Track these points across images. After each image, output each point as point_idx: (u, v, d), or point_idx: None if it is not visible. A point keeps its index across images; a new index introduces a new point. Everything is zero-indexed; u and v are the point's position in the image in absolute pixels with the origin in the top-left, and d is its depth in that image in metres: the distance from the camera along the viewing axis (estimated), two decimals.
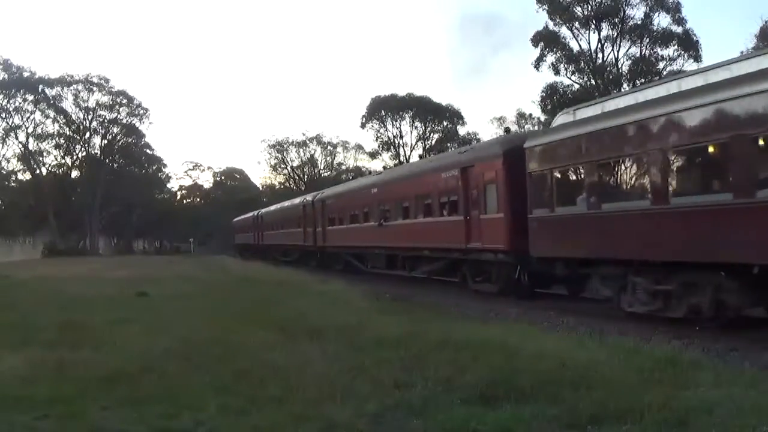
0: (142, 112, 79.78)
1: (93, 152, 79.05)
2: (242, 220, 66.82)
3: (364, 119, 77.71)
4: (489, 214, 17.79)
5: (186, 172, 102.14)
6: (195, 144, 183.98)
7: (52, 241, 73.02)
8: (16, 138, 75.23)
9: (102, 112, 77.56)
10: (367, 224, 27.86)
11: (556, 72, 51.55)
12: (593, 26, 50.51)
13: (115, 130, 79.70)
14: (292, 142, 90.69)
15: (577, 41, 51.53)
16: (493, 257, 17.80)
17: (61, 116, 76.33)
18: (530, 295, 17.30)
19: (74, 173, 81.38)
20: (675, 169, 12.16)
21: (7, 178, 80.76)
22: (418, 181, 23.14)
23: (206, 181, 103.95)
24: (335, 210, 33.60)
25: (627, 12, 49.80)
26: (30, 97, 73.64)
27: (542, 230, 15.29)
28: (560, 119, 16.01)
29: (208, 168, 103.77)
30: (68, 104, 76.30)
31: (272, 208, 53.77)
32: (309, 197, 39.98)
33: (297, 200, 44.90)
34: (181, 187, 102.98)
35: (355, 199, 30.46)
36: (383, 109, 76.84)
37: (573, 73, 51.87)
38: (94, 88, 76.36)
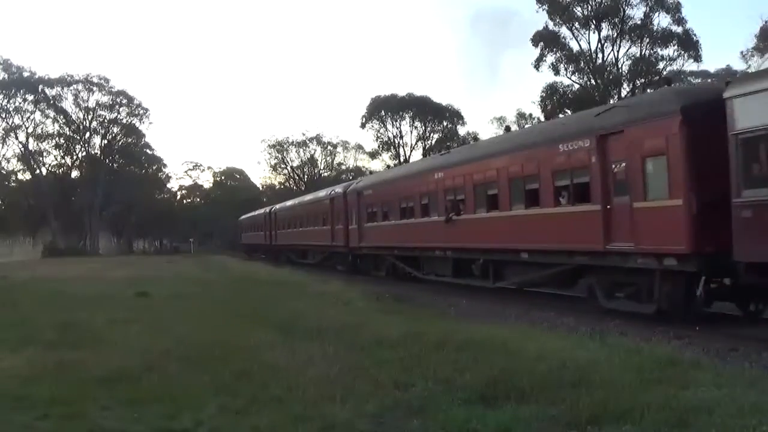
0: (142, 112, 79.87)
1: (93, 152, 79.04)
2: (250, 218, 62.41)
3: (364, 119, 77.73)
4: (652, 200, 12.45)
5: (186, 172, 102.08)
6: (195, 144, 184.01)
7: (52, 241, 73.00)
8: (16, 138, 75.32)
9: (102, 112, 77.64)
10: (426, 219, 21.97)
11: (556, 72, 51.57)
12: (593, 26, 50.50)
13: (115, 130, 79.71)
14: (292, 142, 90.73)
15: (577, 41, 51.56)
16: (656, 264, 12.45)
17: (61, 116, 76.33)
18: (703, 318, 12.29)
19: (74, 173, 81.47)
20: None
21: (7, 178, 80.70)
22: (514, 158, 17.07)
23: (206, 181, 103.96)
24: (377, 202, 27.11)
25: (627, 12, 49.79)
26: (30, 97, 73.62)
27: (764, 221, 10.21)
28: None
29: (208, 168, 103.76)
30: (68, 104, 76.41)
31: (289, 203, 47.98)
32: (339, 188, 33.88)
33: (322, 193, 38.27)
34: (181, 187, 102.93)
35: (407, 188, 24.03)
36: (383, 109, 76.82)
37: (573, 73, 51.86)
38: (94, 88, 76.43)
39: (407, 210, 23.86)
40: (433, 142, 76.85)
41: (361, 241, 28.54)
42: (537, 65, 51.67)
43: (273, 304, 16.00)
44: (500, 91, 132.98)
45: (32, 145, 76.33)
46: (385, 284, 24.12)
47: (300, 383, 7.13)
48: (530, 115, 62.35)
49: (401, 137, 77.83)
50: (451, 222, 19.82)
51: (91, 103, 76.56)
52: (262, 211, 56.98)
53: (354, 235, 29.44)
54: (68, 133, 77.88)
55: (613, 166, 13.46)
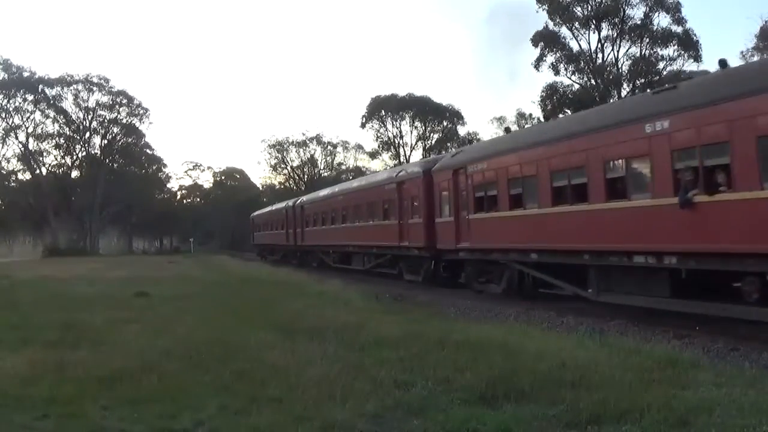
0: (142, 112, 79.90)
1: (93, 152, 79.08)
2: (267, 215, 54.22)
3: (364, 119, 77.78)
4: None
5: (186, 172, 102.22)
6: (195, 144, 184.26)
7: (52, 241, 73.01)
8: (16, 138, 75.36)
9: (102, 112, 77.70)
10: (621, 204, 13.15)
11: (556, 72, 51.58)
12: (593, 26, 50.50)
13: (115, 130, 79.74)
14: (292, 142, 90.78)
15: (577, 41, 51.57)
16: None
17: (61, 116, 76.37)
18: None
19: (74, 173, 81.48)
20: None
21: (7, 178, 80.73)
22: None
23: (206, 181, 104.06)
24: (497, 182, 17.72)
25: (627, 12, 49.81)
26: (30, 97, 73.66)
27: None
28: None
29: (208, 168, 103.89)
30: (68, 104, 76.48)
31: (323, 192, 38.74)
32: (413, 167, 25.04)
33: (382, 175, 30.51)
34: (181, 187, 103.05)
35: (570, 154, 14.70)
36: (383, 109, 76.85)
37: (573, 73, 51.87)
38: (94, 88, 76.48)
39: (572, 190, 14.54)
40: (433, 142, 76.91)
41: (462, 239, 19.74)
42: (537, 65, 51.73)
43: (273, 304, 15.99)
44: (500, 91, 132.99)
45: (32, 145, 76.49)
46: (385, 284, 24.09)
47: (300, 383, 7.13)
48: (530, 115, 62.40)
49: (401, 137, 77.95)
50: (692, 207, 11.27)
51: (91, 103, 76.74)
52: (282, 205, 48.45)
53: (446, 231, 20.68)
54: (68, 133, 77.97)
55: None
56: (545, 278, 16.38)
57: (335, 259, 34.61)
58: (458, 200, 19.97)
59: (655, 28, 49.57)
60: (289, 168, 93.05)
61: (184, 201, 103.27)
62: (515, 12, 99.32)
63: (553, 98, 51.67)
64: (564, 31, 51.32)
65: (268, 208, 56.09)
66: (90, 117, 77.11)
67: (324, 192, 39.24)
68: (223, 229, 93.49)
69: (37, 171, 77.44)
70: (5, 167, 78.89)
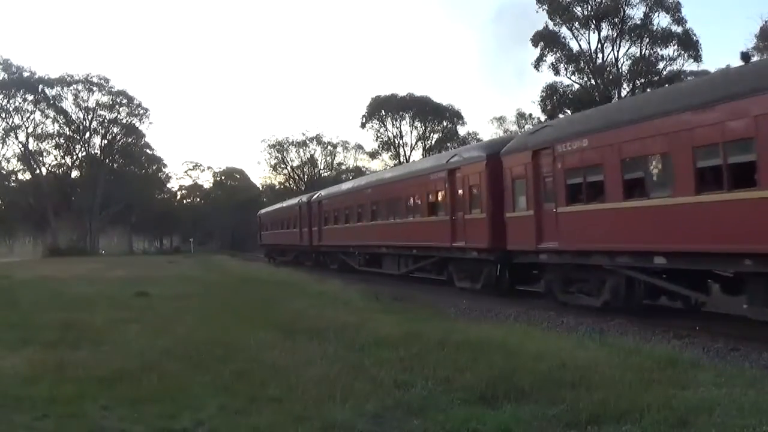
0: (142, 112, 79.96)
1: (93, 152, 79.12)
2: (276, 213, 49.29)
3: (364, 119, 77.83)
4: None
5: (186, 172, 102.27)
6: (195, 144, 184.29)
7: (52, 241, 73.02)
8: (16, 138, 75.46)
9: (102, 112, 77.79)
10: None
11: (556, 72, 51.58)
12: (593, 26, 50.50)
13: (115, 130, 79.82)
14: (292, 142, 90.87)
15: (577, 41, 51.56)
16: None
17: (61, 116, 76.45)
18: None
19: (74, 173, 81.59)
20: None
21: (7, 178, 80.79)
22: None
23: (206, 181, 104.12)
24: (583, 166, 14.51)
25: (627, 12, 49.81)
26: (30, 97, 73.72)
27: None
28: None
29: (208, 168, 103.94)
30: (68, 104, 76.58)
31: (346, 186, 35.09)
32: (475, 151, 20.35)
33: (428, 162, 26.72)
34: (181, 187, 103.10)
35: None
36: (383, 109, 76.90)
37: (573, 73, 51.87)
38: (94, 88, 76.56)
39: (731, 172, 10.84)
40: (433, 142, 76.95)
41: (546, 239, 15.66)
42: (537, 65, 51.73)
43: (273, 304, 15.99)
44: (502, 91, 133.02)
45: (32, 145, 76.61)
46: (384, 284, 24.08)
47: (300, 383, 7.13)
48: (530, 115, 62.43)
49: (401, 137, 78.01)
50: None
51: (91, 103, 76.83)
52: (294, 201, 43.91)
53: (521, 228, 16.52)
54: (68, 133, 78.05)
55: None
56: (675, 288, 13.04)
57: (361, 261, 29.75)
58: (541, 189, 15.83)
59: (655, 28, 49.59)
60: (289, 168, 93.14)
61: (184, 201, 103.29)
62: (519, 12, 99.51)
63: (553, 98, 51.68)
64: (564, 31, 51.37)
65: (278, 205, 50.93)
66: (90, 117, 77.25)
67: (348, 185, 34.81)
68: (223, 229, 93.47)
69: (37, 171, 77.51)
70: (5, 167, 79.11)
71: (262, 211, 57.66)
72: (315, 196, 37.86)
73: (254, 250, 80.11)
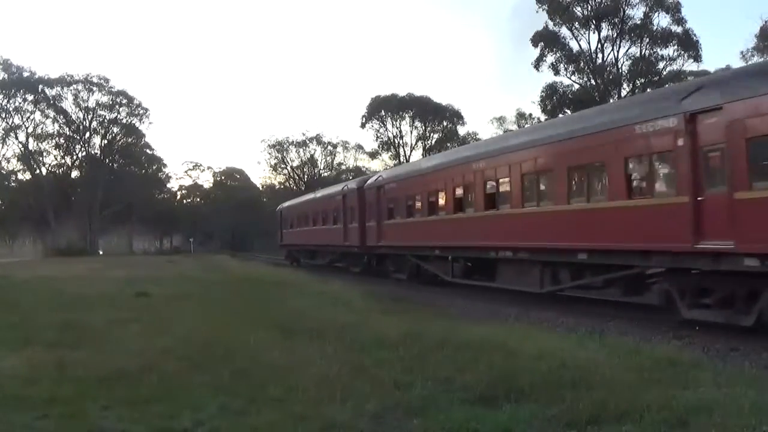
0: (142, 112, 79.88)
1: (93, 152, 79.08)
2: (307, 205, 40.15)
3: (364, 119, 77.87)
4: None
5: (186, 172, 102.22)
6: (195, 144, 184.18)
7: (52, 241, 72.99)
8: (16, 138, 75.45)
9: (102, 112, 77.70)
10: None
11: (556, 72, 51.62)
12: (593, 26, 50.54)
13: (115, 130, 79.76)
14: (292, 142, 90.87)
15: (577, 41, 51.64)
16: None
17: (61, 116, 76.41)
18: None
19: (74, 173, 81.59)
20: None
21: (7, 178, 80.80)
22: None
23: (206, 181, 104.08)
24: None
25: (627, 12, 49.90)
26: (30, 97, 73.71)
27: None
28: None
29: (208, 168, 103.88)
30: (68, 104, 76.50)
31: (430, 163, 25.23)
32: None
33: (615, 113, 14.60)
34: (181, 187, 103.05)
35: None
36: (383, 109, 76.93)
37: (573, 73, 51.92)
38: (94, 88, 76.49)
39: None
40: (433, 142, 76.98)
41: None
42: (537, 65, 51.80)
43: (273, 304, 16.00)
44: (500, 91, 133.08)
45: (32, 145, 76.62)
46: (384, 284, 24.09)
47: (300, 383, 7.12)
48: (530, 115, 62.47)
49: (401, 137, 78.05)
50: None
51: (91, 103, 76.76)
52: (335, 189, 35.55)
53: None
54: (68, 133, 78.05)
55: None
56: None
57: (457, 269, 20.88)
58: None
59: (655, 28, 49.67)
60: (289, 168, 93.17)
61: (184, 201, 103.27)
62: (519, 12, 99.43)
63: (553, 98, 51.72)
64: (564, 31, 51.41)
65: (308, 196, 42.47)
66: (90, 117, 77.19)
67: (433, 160, 25.83)
68: (223, 229, 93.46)
69: (37, 171, 77.53)
70: (5, 167, 79.12)
71: (285, 204, 48.69)
72: (371, 180, 29.01)
73: (254, 249, 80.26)
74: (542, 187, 16.33)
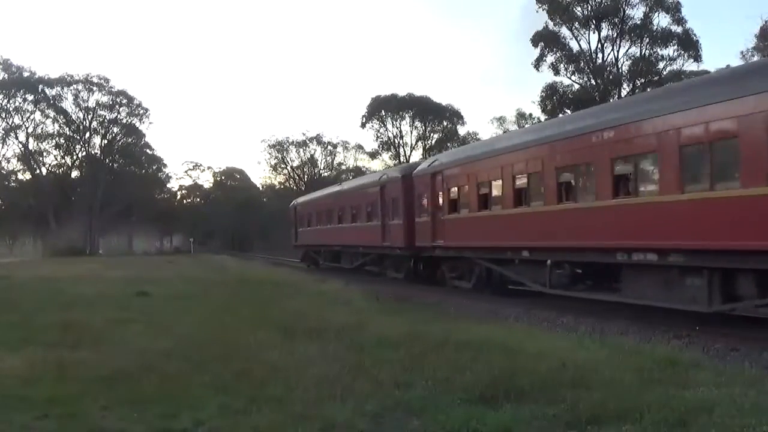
0: (142, 112, 79.91)
1: (93, 152, 79.11)
2: (331, 199, 34.57)
3: (364, 119, 77.90)
4: None
5: (186, 172, 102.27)
6: (195, 144, 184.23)
7: (52, 242, 72.97)
8: (16, 138, 75.48)
9: (102, 112, 77.74)
10: None
11: (556, 72, 51.60)
12: (593, 26, 50.54)
13: (115, 130, 79.78)
14: (292, 142, 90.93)
15: (577, 41, 51.61)
16: None
17: (61, 116, 76.42)
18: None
19: (74, 173, 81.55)
20: None
21: (7, 178, 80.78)
22: None
23: (206, 181, 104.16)
24: None
25: (627, 12, 49.89)
26: (30, 97, 73.73)
27: None
28: None
29: (208, 168, 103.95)
30: (68, 104, 76.55)
31: (512, 141, 18.52)
32: None
33: None
34: (181, 187, 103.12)
35: None
36: (383, 109, 76.95)
37: (573, 73, 51.90)
38: (94, 88, 76.51)
39: None
40: (433, 142, 77.02)
41: None
42: (537, 65, 51.77)
43: (273, 304, 16.00)
44: (500, 91, 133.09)
45: (32, 145, 76.65)
46: (384, 284, 24.08)
47: (300, 383, 7.13)
48: (530, 115, 62.47)
49: (401, 137, 78.09)
50: None
51: (91, 103, 76.80)
52: (371, 178, 31.14)
53: None
54: (68, 133, 78.07)
55: None
56: None
57: (564, 277, 15.44)
58: None
59: (655, 28, 49.66)
60: (289, 168, 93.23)
61: (184, 201, 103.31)
62: (518, 11, 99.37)
63: (553, 98, 51.72)
64: (564, 31, 51.40)
65: (332, 189, 37.18)
66: (90, 117, 77.22)
67: (526, 135, 18.50)
68: (223, 230, 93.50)
69: (37, 171, 77.56)
70: (5, 167, 79.12)
71: (300, 200, 42.88)
72: (423, 166, 23.37)
73: (254, 250, 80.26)
74: (720, 164, 10.95)
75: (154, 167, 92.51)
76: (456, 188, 20.22)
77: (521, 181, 16.65)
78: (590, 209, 13.99)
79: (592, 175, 14.10)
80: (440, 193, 21.07)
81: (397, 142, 78.03)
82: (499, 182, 17.58)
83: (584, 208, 14.23)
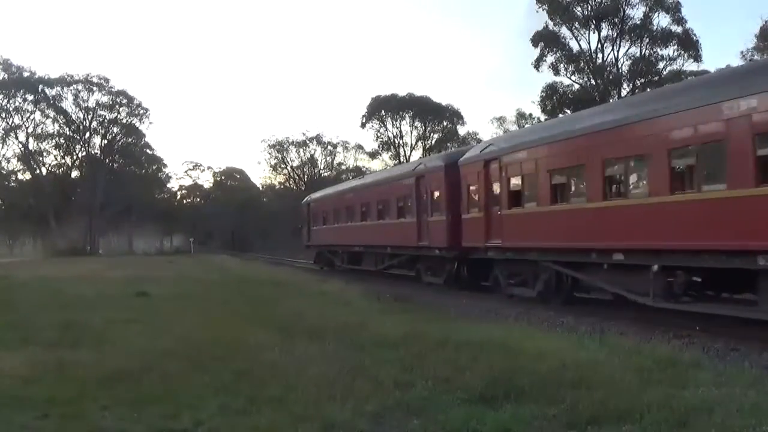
0: (142, 112, 79.87)
1: (93, 152, 79.10)
2: (347, 194, 32.07)
3: (364, 119, 77.95)
4: None
5: (186, 172, 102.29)
6: (195, 144, 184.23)
7: (52, 242, 72.98)
8: (16, 138, 75.48)
9: (102, 112, 77.69)
10: None
11: (556, 72, 51.61)
12: (593, 26, 50.54)
13: (115, 130, 79.76)
14: (292, 142, 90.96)
15: (577, 41, 51.61)
16: None
17: (61, 116, 76.42)
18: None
19: (74, 173, 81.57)
20: None
21: (7, 178, 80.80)
22: None
23: (206, 181, 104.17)
24: None
25: (627, 12, 49.89)
26: (30, 97, 73.73)
27: None
28: None
29: (208, 168, 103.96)
30: (68, 104, 76.51)
31: (606, 117, 13.98)
32: None
33: None
34: (181, 187, 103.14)
35: None
36: (383, 109, 76.99)
37: (573, 73, 51.91)
38: (94, 88, 76.46)
39: None
40: (433, 142, 77.04)
41: None
42: (537, 65, 51.77)
43: (273, 304, 16.01)
44: (500, 91, 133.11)
45: (32, 145, 76.66)
46: (384, 284, 24.07)
47: (300, 383, 7.13)
48: (530, 115, 62.48)
49: (401, 137, 78.13)
50: None
51: (91, 103, 76.76)
52: (404, 168, 29.06)
53: None
54: (68, 133, 78.07)
55: None
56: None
57: (677, 287, 12.03)
58: None
59: (655, 28, 49.67)
60: (289, 168, 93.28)
61: (184, 201, 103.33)
62: (517, 12, 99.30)
63: (553, 98, 51.72)
64: (564, 31, 51.41)
65: (352, 183, 35.25)
66: (90, 117, 77.20)
67: (616, 112, 14.30)
68: (223, 230, 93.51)
69: (37, 171, 77.57)
70: (5, 167, 79.13)
71: (314, 195, 39.65)
72: (471, 153, 19.88)
73: (254, 250, 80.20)
74: None
75: (154, 167, 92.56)
76: (519, 178, 16.63)
77: (616, 167, 13.38)
78: (723, 200, 10.67)
79: (733, 156, 10.41)
80: (497, 184, 17.59)
81: (397, 142, 78.14)
82: (583, 169, 14.20)
83: (713, 199, 10.89)
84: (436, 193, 21.36)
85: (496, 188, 17.64)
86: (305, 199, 41.04)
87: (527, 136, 17.71)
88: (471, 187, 19.05)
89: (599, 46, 51.08)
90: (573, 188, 14.94)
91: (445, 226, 20.29)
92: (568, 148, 14.67)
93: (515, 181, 16.83)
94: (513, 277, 17.73)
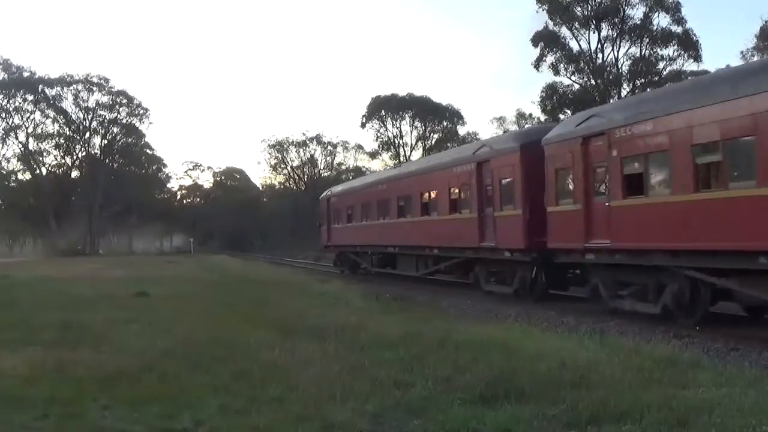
0: (142, 112, 79.98)
1: (93, 152, 79.17)
2: (379, 186, 27.69)
3: (364, 119, 77.96)
4: None
5: (186, 172, 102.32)
6: (195, 144, 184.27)
7: (52, 242, 72.98)
8: (16, 138, 75.56)
9: (102, 112, 77.83)
10: None
11: (556, 72, 51.59)
12: (593, 26, 50.53)
13: (115, 130, 79.86)
14: (292, 142, 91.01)
15: (577, 41, 51.59)
16: None
17: (61, 116, 76.48)
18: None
19: (74, 173, 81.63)
20: None
21: (7, 178, 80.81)
22: None
23: (206, 181, 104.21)
24: None
25: (627, 12, 49.88)
26: (30, 97, 73.79)
27: None
28: None
29: (208, 168, 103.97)
30: (68, 104, 76.63)
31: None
32: None
33: None
34: (181, 187, 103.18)
35: None
36: (383, 109, 77.00)
37: (573, 73, 51.89)
38: (94, 88, 76.57)
39: None
40: (433, 142, 77.05)
41: None
42: (537, 65, 51.75)
43: (273, 304, 16.00)
44: (500, 91, 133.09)
45: (32, 145, 76.75)
46: (384, 284, 24.07)
47: (300, 383, 7.13)
48: (530, 115, 62.48)
49: (401, 137, 78.15)
50: None
51: (91, 103, 76.89)
52: (451, 154, 24.35)
53: None
54: (68, 133, 78.14)
55: None
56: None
57: None
58: None
59: (655, 28, 49.67)
60: (289, 168, 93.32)
61: (184, 201, 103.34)
62: (517, 12, 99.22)
63: (553, 98, 51.72)
64: (564, 31, 51.40)
65: (387, 173, 32.05)
66: (90, 117, 77.29)
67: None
68: (223, 230, 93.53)
69: (37, 171, 77.62)
70: (5, 167, 79.19)
71: (336, 189, 35.28)
72: (556, 131, 15.90)
73: (254, 250, 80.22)
74: None
75: (154, 167, 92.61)
76: (641, 158, 12.70)
77: None
78: None
79: None
80: (603, 168, 13.72)
81: (397, 142, 78.16)
82: (755, 143, 10.04)
83: None
84: (508, 181, 17.24)
85: (603, 173, 13.77)
86: (325, 193, 35.55)
87: (654, 103, 12.93)
88: (561, 172, 15.18)
89: (599, 46, 51.11)
90: (733, 170, 10.75)
91: (521, 222, 16.36)
92: (730, 112, 10.40)
93: (634, 164, 12.93)
94: (620, 287, 13.87)
